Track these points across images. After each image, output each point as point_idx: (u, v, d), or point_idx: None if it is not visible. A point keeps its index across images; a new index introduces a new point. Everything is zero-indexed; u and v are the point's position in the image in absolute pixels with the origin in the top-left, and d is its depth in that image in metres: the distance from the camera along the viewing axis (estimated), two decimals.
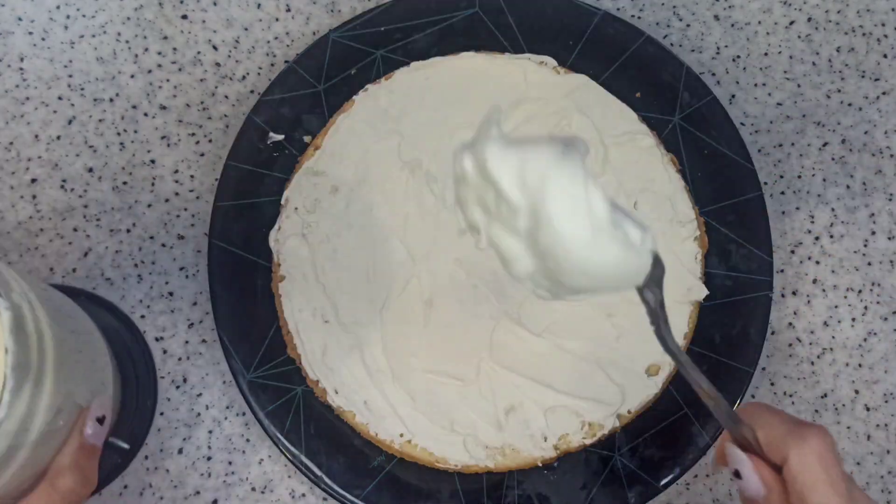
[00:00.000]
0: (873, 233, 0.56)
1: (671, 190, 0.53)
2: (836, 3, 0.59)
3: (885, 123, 0.57)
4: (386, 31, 0.55)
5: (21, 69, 0.55)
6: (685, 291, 0.51)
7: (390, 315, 0.51)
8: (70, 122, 0.54)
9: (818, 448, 0.33)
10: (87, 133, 0.54)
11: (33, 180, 0.53)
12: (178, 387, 0.52)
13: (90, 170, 0.54)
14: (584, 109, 0.54)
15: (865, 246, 0.55)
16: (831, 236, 0.55)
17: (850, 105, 0.57)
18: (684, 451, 0.49)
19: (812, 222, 0.56)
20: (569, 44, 0.55)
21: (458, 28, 0.55)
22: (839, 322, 0.54)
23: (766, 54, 0.58)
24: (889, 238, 0.56)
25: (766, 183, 0.56)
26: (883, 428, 0.53)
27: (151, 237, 0.53)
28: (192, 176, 0.54)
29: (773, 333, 0.54)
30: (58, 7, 0.56)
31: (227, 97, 0.56)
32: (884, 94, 0.58)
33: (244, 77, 0.56)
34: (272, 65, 0.56)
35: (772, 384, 0.53)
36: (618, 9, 0.58)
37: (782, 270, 0.55)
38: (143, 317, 0.52)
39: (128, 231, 0.53)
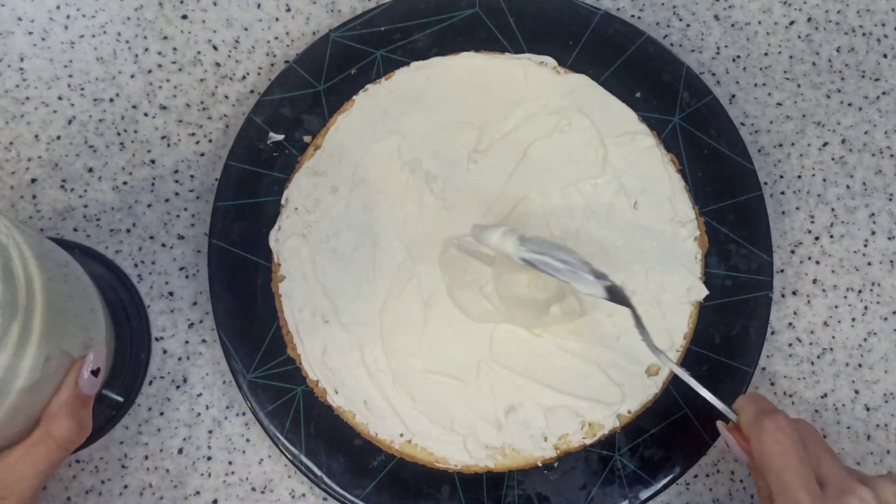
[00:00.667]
0: (873, 233, 0.56)
1: (671, 190, 0.53)
2: (836, 3, 0.59)
3: (885, 123, 0.57)
4: (386, 31, 0.55)
5: (21, 69, 0.55)
6: (685, 291, 0.51)
7: (390, 315, 0.51)
8: (70, 122, 0.54)
9: (774, 434, 0.40)
10: (87, 133, 0.54)
11: (33, 180, 0.53)
12: (178, 387, 0.52)
13: (90, 170, 0.54)
14: (584, 109, 0.54)
15: (865, 246, 0.55)
16: (831, 236, 0.55)
17: (850, 105, 0.57)
18: (684, 451, 0.49)
19: (812, 222, 0.56)
20: (569, 44, 0.55)
21: (458, 28, 0.55)
22: (839, 322, 0.54)
23: (766, 54, 0.58)
24: (889, 238, 0.56)
25: (766, 183, 0.56)
26: (883, 428, 0.53)
27: (151, 237, 0.53)
28: (192, 176, 0.54)
29: (773, 333, 0.54)
30: (58, 7, 0.56)
31: (227, 97, 0.56)
32: (884, 94, 0.58)
33: (244, 77, 0.56)
34: (272, 65, 0.56)
35: (772, 384, 0.53)
36: (618, 9, 0.58)
37: (782, 270, 0.55)
38: None
39: (128, 231, 0.53)
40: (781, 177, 0.56)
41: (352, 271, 0.51)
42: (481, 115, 0.54)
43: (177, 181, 0.54)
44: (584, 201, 0.53)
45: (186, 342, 0.52)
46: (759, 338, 0.51)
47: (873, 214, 0.56)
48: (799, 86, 0.58)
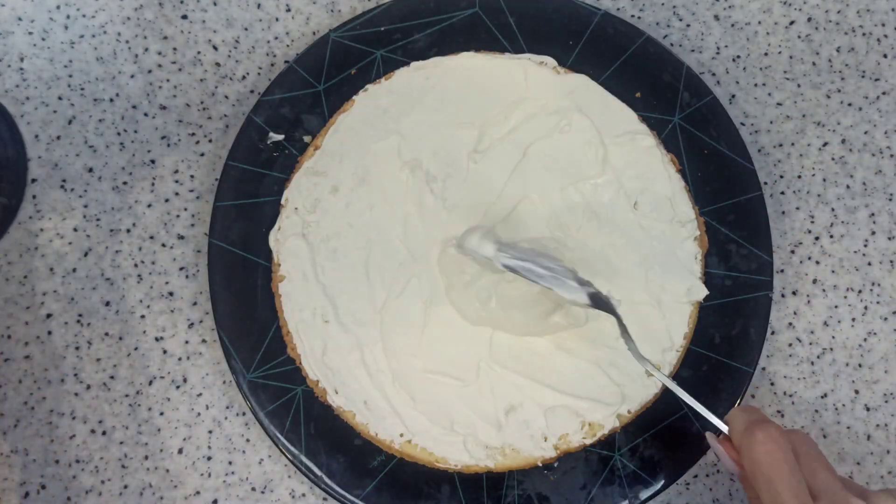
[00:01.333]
0: (873, 233, 0.56)
1: (671, 190, 0.53)
2: (836, 3, 0.59)
3: (885, 123, 0.57)
4: (386, 31, 0.55)
5: (21, 69, 0.55)
6: (685, 291, 0.51)
7: (390, 315, 0.51)
8: (70, 122, 0.54)
9: (765, 445, 0.39)
10: (87, 133, 0.54)
11: (33, 181, 0.53)
12: (178, 387, 0.52)
13: (90, 170, 0.54)
14: (584, 109, 0.54)
15: (865, 246, 0.55)
16: (831, 236, 0.55)
17: (850, 105, 0.57)
18: (684, 451, 0.49)
19: (812, 222, 0.56)
20: (569, 44, 0.55)
21: (458, 28, 0.55)
22: (839, 322, 0.54)
23: (766, 54, 0.58)
24: (889, 238, 0.56)
25: (766, 183, 0.56)
26: (883, 428, 0.53)
27: (151, 237, 0.53)
28: (192, 176, 0.54)
29: (773, 333, 0.54)
30: (58, 7, 0.56)
31: (227, 97, 0.56)
32: (884, 94, 0.58)
33: (244, 77, 0.56)
34: (272, 65, 0.56)
35: (772, 384, 0.53)
36: (618, 9, 0.58)
37: (782, 270, 0.55)
38: (143, 317, 0.52)
39: (128, 231, 0.53)
40: (781, 177, 0.56)
41: (352, 271, 0.51)
42: (481, 115, 0.54)
43: (177, 181, 0.54)
44: (584, 201, 0.53)
45: (186, 342, 0.52)
46: (759, 338, 0.51)
47: (873, 214, 0.56)
48: (799, 86, 0.58)
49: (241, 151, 0.52)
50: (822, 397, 0.53)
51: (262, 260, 0.52)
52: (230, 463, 0.51)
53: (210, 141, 0.55)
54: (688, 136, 0.54)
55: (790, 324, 0.54)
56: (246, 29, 0.57)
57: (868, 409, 0.53)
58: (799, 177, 0.56)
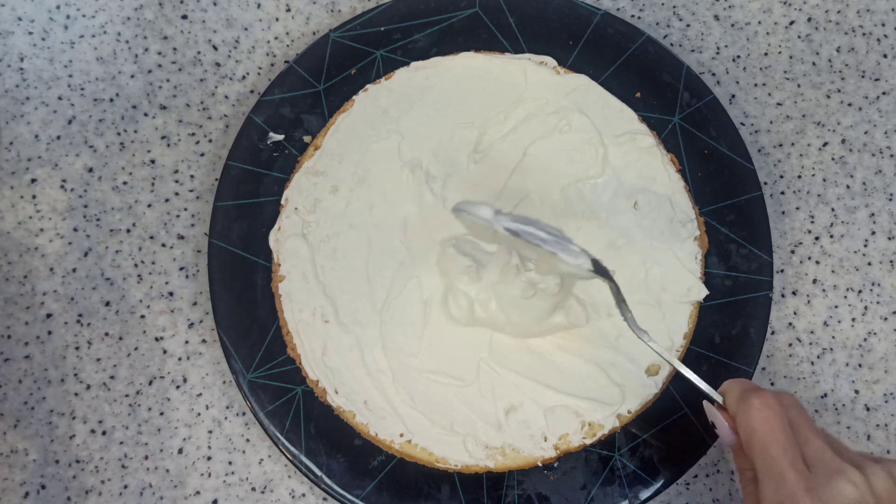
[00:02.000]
0: (873, 233, 0.56)
1: (671, 190, 0.53)
2: (836, 3, 0.59)
3: (885, 123, 0.57)
4: (386, 31, 0.55)
5: (21, 69, 0.55)
6: (685, 291, 0.51)
7: (390, 315, 0.51)
8: (70, 122, 0.54)
9: (761, 410, 0.39)
10: (87, 133, 0.54)
11: (33, 180, 0.53)
12: (178, 387, 0.52)
13: (90, 170, 0.54)
14: (584, 109, 0.54)
15: (865, 246, 0.55)
16: (831, 236, 0.55)
17: (850, 105, 0.57)
18: (684, 451, 0.49)
19: (812, 222, 0.56)
20: (569, 44, 0.55)
21: (458, 28, 0.55)
22: (839, 322, 0.54)
23: (766, 54, 0.58)
24: (889, 238, 0.56)
25: (766, 183, 0.56)
26: (883, 428, 0.53)
27: (151, 237, 0.53)
28: (192, 176, 0.54)
29: (773, 333, 0.54)
30: (58, 7, 0.56)
31: (227, 97, 0.56)
32: (884, 94, 0.58)
33: (244, 77, 0.56)
34: (272, 65, 0.56)
35: (772, 384, 0.53)
36: (618, 9, 0.58)
37: (782, 270, 0.55)
38: (143, 317, 0.52)
39: (128, 231, 0.53)
40: (781, 177, 0.56)
41: (352, 271, 0.51)
42: (481, 115, 0.54)
43: (177, 181, 0.54)
44: (584, 201, 0.53)
45: (186, 342, 0.52)
46: (759, 338, 0.51)
47: (873, 214, 0.56)
48: (799, 86, 0.58)
49: (241, 151, 0.52)
50: (822, 397, 0.53)
51: (262, 260, 0.52)
52: (230, 463, 0.51)
53: (210, 141, 0.55)
54: (688, 136, 0.54)
55: (790, 324, 0.54)
56: (246, 29, 0.57)
57: (868, 409, 0.53)
58: (799, 177, 0.56)
